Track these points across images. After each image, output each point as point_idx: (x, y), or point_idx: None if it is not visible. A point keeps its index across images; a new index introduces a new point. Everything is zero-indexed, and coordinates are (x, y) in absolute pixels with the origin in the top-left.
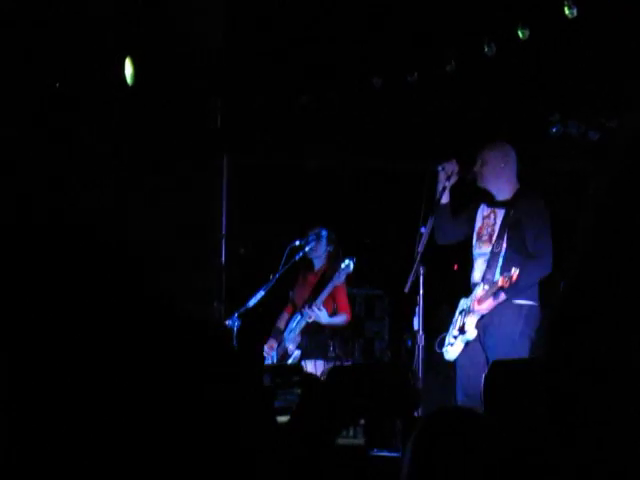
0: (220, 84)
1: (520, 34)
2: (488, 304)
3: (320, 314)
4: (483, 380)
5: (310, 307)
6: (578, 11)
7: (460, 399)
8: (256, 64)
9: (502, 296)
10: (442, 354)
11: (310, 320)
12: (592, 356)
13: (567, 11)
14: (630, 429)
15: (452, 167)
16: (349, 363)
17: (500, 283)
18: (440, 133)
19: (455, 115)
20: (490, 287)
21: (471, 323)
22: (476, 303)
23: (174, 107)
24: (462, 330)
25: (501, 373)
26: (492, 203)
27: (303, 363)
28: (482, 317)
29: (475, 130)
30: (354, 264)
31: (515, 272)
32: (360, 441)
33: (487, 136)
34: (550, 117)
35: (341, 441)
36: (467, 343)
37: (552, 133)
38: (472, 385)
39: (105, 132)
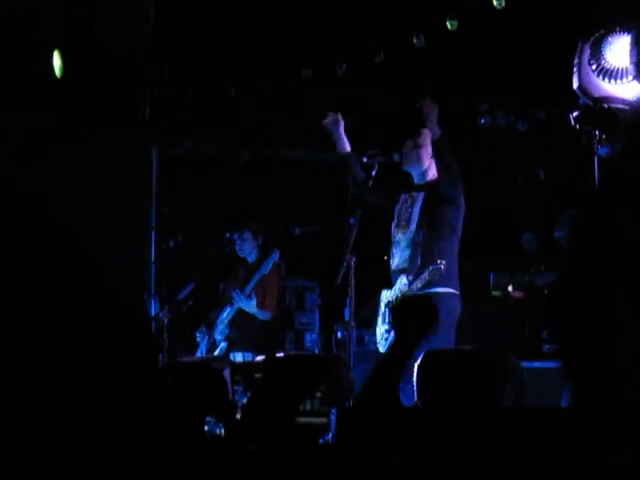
0: (148, 75)
1: (449, 25)
2: None
3: (249, 301)
4: (416, 369)
5: (238, 293)
6: (506, 2)
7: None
8: (185, 55)
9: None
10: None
11: (241, 306)
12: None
13: (495, 2)
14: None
15: (333, 116)
16: (280, 355)
17: (428, 277)
18: (369, 123)
19: (384, 106)
20: (418, 281)
21: None
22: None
23: (102, 98)
24: None
25: (434, 362)
26: (411, 187)
27: (232, 355)
28: None
29: (404, 121)
30: (280, 254)
31: (442, 263)
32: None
33: (416, 126)
34: (479, 108)
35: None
36: None
37: (481, 124)
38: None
39: (33, 124)
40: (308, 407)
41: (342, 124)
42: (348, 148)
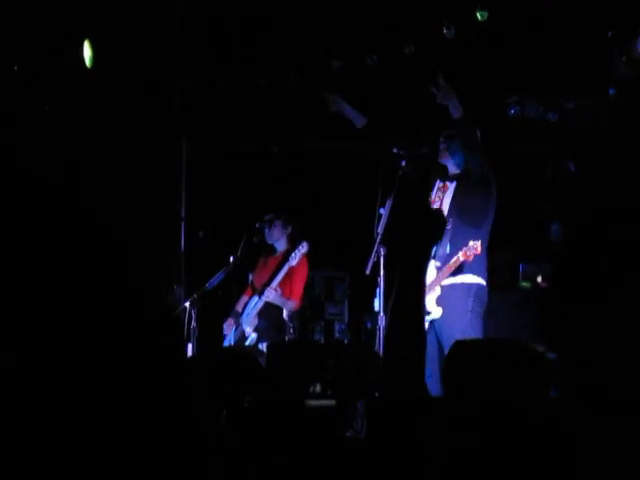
0: (179, 67)
1: (479, 16)
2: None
3: (275, 294)
4: (445, 359)
5: (267, 288)
6: None
7: (428, 374)
8: (216, 47)
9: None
10: None
11: (268, 299)
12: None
13: None
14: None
15: (332, 99)
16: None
17: (462, 257)
18: (399, 115)
19: (414, 97)
20: (447, 263)
21: (432, 301)
22: (437, 281)
23: (133, 90)
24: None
25: (462, 353)
26: (446, 177)
27: (260, 345)
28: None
29: (434, 113)
30: (309, 246)
31: (476, 244)
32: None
33: (446, 118)
34: (508, 99)
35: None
36: (431, 321)
37: (511, 115)
38: (434, 362)
39: (65, 115)
40: (318, 389)
41: (343, 102)
42: (364, 120)
